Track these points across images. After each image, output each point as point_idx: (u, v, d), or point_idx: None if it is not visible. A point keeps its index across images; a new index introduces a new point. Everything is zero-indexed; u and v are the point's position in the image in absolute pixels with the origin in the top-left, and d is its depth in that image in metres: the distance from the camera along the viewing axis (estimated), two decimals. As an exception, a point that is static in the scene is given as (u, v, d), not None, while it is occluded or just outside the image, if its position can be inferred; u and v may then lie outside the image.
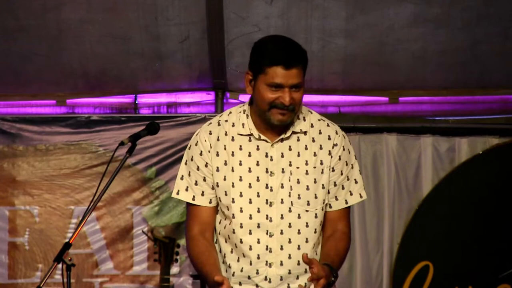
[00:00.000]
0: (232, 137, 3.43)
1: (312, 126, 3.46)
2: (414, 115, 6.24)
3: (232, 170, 3.40)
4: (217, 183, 3.41)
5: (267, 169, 3.39)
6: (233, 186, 3.39)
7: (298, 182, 3.39)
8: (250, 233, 3.37)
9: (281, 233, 3.38)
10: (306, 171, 3.40)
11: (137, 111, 6.27)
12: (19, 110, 6.24)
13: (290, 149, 3.41)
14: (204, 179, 3.43)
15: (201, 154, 3.43)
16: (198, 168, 3.43)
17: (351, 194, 3.47)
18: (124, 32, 5.70)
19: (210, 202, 3.44)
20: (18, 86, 6.12)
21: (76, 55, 5.84)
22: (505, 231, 6.05)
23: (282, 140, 3.41)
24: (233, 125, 3.44)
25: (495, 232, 6.05)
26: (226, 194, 3.40)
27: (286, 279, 3.39)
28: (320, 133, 3.44)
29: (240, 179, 3.39)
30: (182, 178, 3.47)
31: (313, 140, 3.43)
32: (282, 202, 3.38)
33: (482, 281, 6.03)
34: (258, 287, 3.38)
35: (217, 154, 3.42)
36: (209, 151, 3.42)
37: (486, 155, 6.11)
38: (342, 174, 3.44)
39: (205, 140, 3.44)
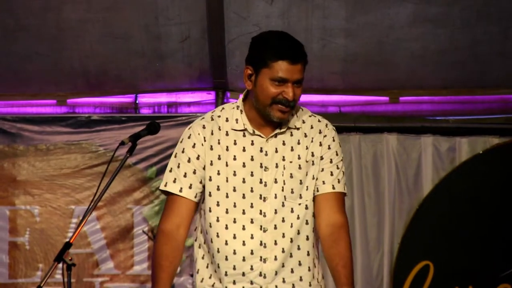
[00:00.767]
0: (226, 131, 3.41)
1: (304, 122, 3.46)
2: (414, 114, 6.23)
3: (226, 165, 3.37)
4: (210, 177, 3.37)
5: (261, 164, 3.37)
6: (227, 180, 3.36)
7: (291, 176, 3.38)
8: (243, 228, 3.35)
9: (275, 228, 3.36)
10: (299, 165, 3.39)
11: (138, 110, 6.26)
12: (20, 110, 6.23)
13: (284, 144, 3.40)
14: (194, 172, 3.38)
15: (194, 146, 3.39)
16: (189, 160, 3.39)
17: (338, 182, 3.43)
18: (124, 32, 5.70)
19: (195, 197, 3.39)
20: (19, 86, 6.11)
21: (76, 54, 5.84)
22: (505, 230, 6.05)
23: (276, 135, 3.40)
24: (226, 120, 3.43)
25: (496, 231, 6.04)
26: (218, 189, 3.37)
27: (281, 273, 3.36)
28: (311, 127, 3.45)
29: (234, 174, 3.37)
30: (170, 171, 3.42)
31: (305, 135, 3.44)
32: (275, 197, 3.36)
33: (482, 280, 6.03)
34: (253, 283, 3.35)
35: (211, 148, 3.39)
36: (202, 144, 3.39)
37: (486, 155, 6.11)
38: (331, 162, 3.42)
39: (199, 134, 3.41)
